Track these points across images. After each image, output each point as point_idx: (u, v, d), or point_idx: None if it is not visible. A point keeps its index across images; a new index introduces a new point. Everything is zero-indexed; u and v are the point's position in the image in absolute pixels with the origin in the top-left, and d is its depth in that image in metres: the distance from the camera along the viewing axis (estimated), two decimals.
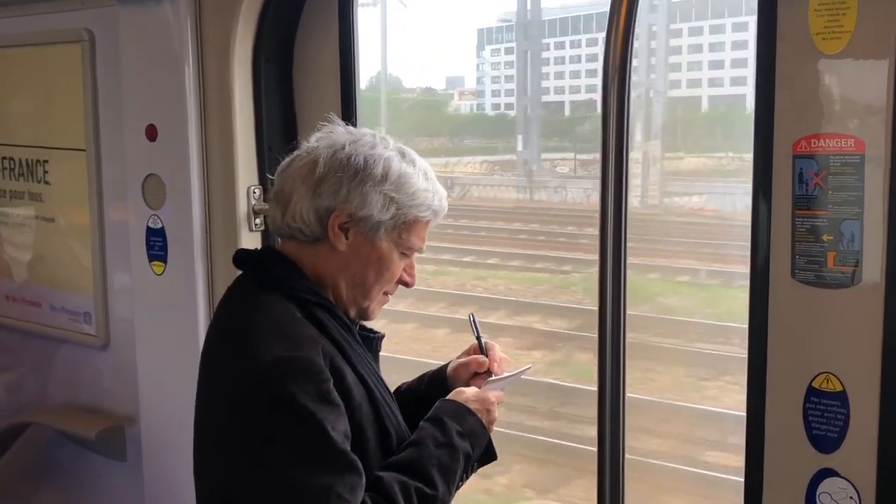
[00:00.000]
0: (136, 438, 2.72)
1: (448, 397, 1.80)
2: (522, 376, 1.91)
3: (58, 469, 3.06)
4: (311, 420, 1.54)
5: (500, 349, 1.93)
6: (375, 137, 1.77)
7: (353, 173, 1.70)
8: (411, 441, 1.71)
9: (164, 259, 2.53)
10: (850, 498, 1.63)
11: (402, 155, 1.76)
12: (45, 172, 2.92)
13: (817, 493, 1.66)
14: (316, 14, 2.45)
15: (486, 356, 1.90)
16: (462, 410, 1.75)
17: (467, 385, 1.87)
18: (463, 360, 1.93)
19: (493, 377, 1.86)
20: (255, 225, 2.45)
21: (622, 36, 1.48)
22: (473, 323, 1.94)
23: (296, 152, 1.79)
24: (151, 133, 2.48)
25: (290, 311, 1.67)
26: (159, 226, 2.52)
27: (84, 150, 2.76)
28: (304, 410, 1.54)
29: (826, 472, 1.65)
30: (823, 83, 1.58)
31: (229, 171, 2.43)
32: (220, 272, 2.45)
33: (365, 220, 1.70)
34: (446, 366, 1.97)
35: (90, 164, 2.76)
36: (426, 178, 1.76)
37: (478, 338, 1.93)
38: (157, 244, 2.53)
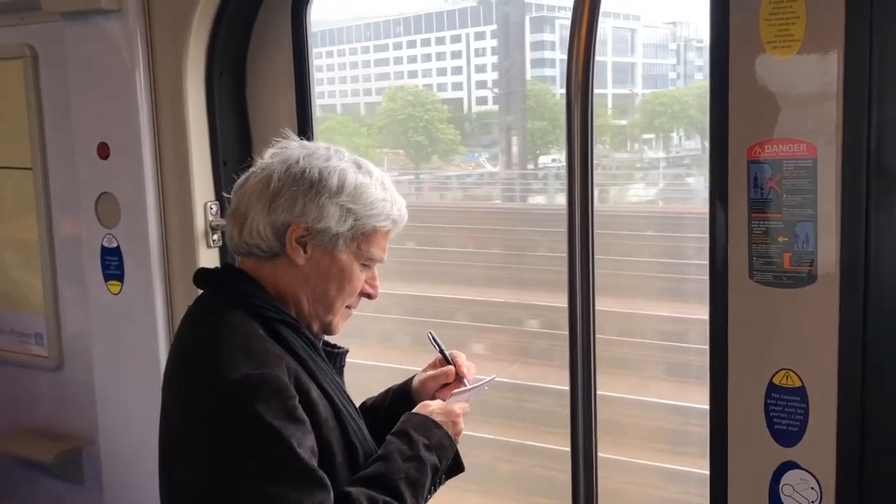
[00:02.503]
0: (95, 460, 2.67)
1: (414, 411, 1.80)
2: (486, 388, 1.92)
3: (13, 494, 2.98)
4: (277, 437, 1.53)
5: (464, 357, 1.94)
6: (330, 150, 1.75)
7: (308, 186, 1.69)
8: (379, 455, 1.71)
9: (120, 278, 2.48)
10: (812, 489, 1.68)
11: (358, 166, 1.75)
12: None
13: (780, 486, 1.71)
14: (269, 26, 2.43)
15: (453, 366, 1.91)
16: (428, 423, 1.76)
17: (433, 398, 1.87)
18: (430, 372, 1.93)
19: (459, 389, 1.86)
20: (213, 241, 2.42)
21: (585, 37, 1.50)
22: (434, 340, 1.95)
23: (251, 169, 1.77)
24: (104, 151, 2.43)
25: (253, 328, 1.65)
26: (115, 245, 2.48)
27: (31, 169, 2.70)
28: (270, 428, 1.53)
29: (788, 465, 1.70)
30: (775, 90, 1.63)
31: (185, 187, 2.40)
32: (179, 290, 2.42)
33: (322, 232, 1.69)
34: (410, 380, 1.97)
35: (37, 182, 2.71)
36: (383, 188, 1.76)
37: (441, 352, 1.94)
38: (112, 263, 2.48)
